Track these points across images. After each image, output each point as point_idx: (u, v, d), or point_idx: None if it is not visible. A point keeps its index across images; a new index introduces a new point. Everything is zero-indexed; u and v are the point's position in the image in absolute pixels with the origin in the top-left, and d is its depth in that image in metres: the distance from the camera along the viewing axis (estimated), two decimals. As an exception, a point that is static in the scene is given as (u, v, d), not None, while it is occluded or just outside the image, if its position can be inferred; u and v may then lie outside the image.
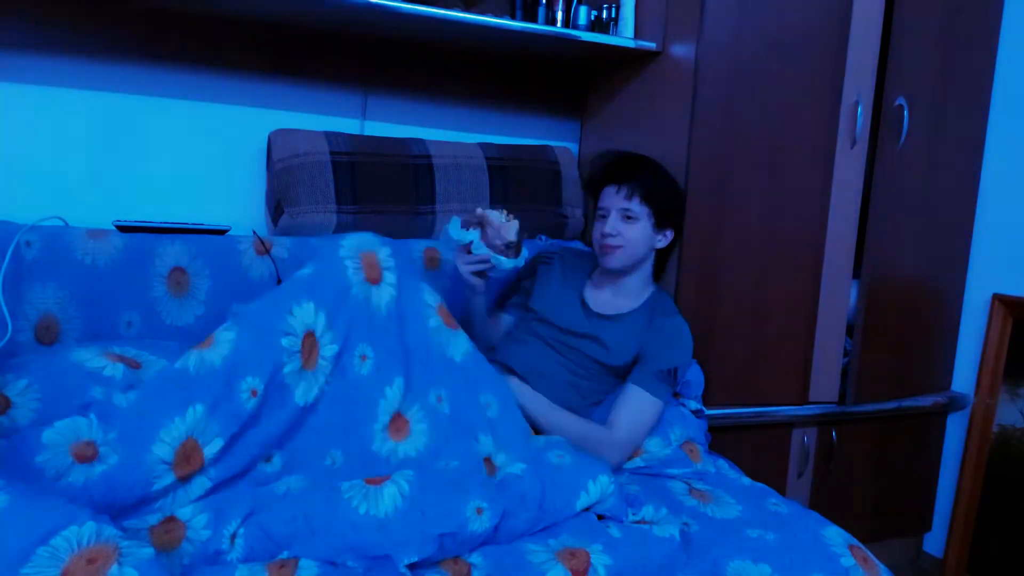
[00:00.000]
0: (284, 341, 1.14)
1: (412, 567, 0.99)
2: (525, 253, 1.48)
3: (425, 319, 1.30)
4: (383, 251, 1.29)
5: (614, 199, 1.52)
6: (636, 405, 1.44)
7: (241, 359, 1.10)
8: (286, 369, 1.14)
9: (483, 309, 1.57)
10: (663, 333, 1.51)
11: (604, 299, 1.58)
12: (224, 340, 1.12)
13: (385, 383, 1.22)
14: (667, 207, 1.53)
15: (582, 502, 1.14)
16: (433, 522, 1.01)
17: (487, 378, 1.33)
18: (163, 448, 1.01)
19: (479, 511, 1.05)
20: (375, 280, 1.26)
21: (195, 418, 1.04)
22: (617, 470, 1.41)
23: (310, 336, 1.17)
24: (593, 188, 1.60)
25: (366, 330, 1.23)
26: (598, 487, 1.15)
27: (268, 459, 1.14)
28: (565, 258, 1.68)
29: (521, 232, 1.45)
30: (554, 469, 1.17)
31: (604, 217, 1.53)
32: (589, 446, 1.36)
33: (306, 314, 1.17)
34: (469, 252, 1.45)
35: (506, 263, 1.45)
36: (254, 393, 1.10)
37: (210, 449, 1.05)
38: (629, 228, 1.51)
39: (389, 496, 1.02)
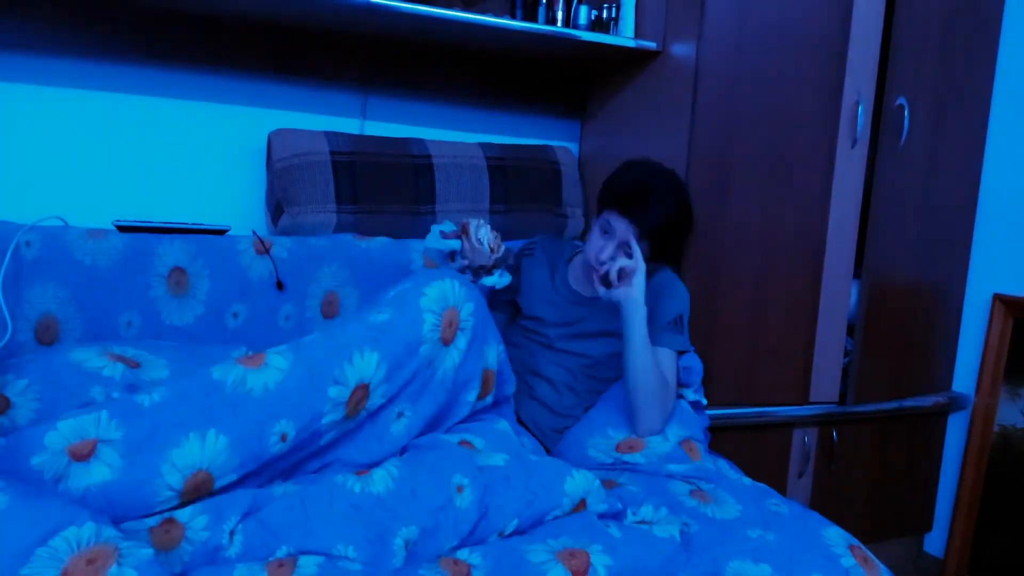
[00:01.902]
0: (332, 391, 1.07)
1: (412, 564, 1.00)
2: (507, 278, 1.43)
3: (472, 391, 1.27)
4: (466, 308, 1.22)
5: (622, 228, 1.45)
6: (665, 364, 1.47)
7: (283, 397, 1.04)
8: (325, 420, 1.08)
9: None
10: (657, 290, 1.52)
11: (588, 282, 1.57)
12: (274, 367, 1.06)
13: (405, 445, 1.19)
14: (669, 243, 1.50)
15: (569, 486, 1.14)
16: (424, 500, 1.05)
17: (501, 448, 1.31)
18: (173, 475, 0.96)
19: (459, 488, 1.07)
20: (447, 342, 1.20)
21: (215, 449, 0.99)
22: (661, 429, 1.45)
23: (362, 388, 1.11)
24: (609, 201, 1.50)
25: (416, 391, 1.19)
26: (582, 476, 1.17)
27: (269, 483, 1.12)
28: (546, 246, 1.67)
29: (503, 250, 1.40)
30: (536, 462, 1.19)
31: (606, 234, 1.47)
32: (653, 391, 1.41)
33: (366, 366, 1.10)
34: (452, 259, 1.42)
35: (485, 280, 1.40)
36: (283, 438, 1.05)
37: (221, 482, 1.01)
38: (623, 259, 1.45)
39: (380, 479, 1.07)
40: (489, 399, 1.33)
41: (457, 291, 1.21)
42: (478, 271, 1.41)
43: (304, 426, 1.06)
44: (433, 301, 1.18)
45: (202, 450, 0.98)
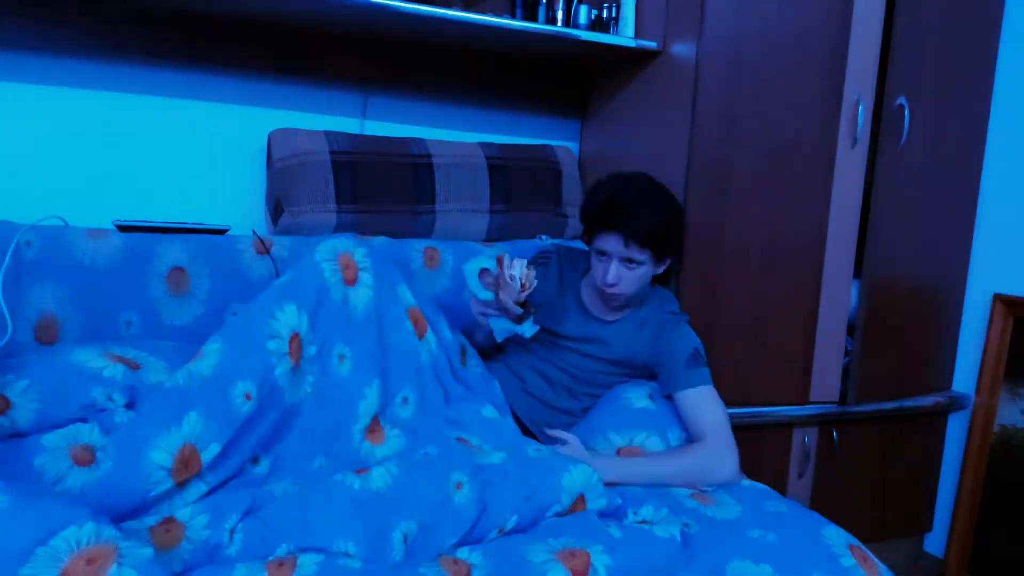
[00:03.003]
0: (271, 344, 1.15)
1: (411, 561, 0.99)
2: (535, 328, 1.44)
3: (402, 320, 1.33)
4: (359, 251, 1.31)
5: (615, 246, 1.43)
6: (701, 404, 1.41)
7: (230, 365, 1.12)
8: (277, 371, 1.15)
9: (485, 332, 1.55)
10: (670, 333, 1.50)
11: (602, 304, 1.57)
12: (211, 351, 1.14)
13: (364, 383, 1.24)
14: (669, 242, 1.47)
15: (567, 481, 1.15)
16: (423, 496, 1.06)
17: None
18: (161, 455, 1.02)
19: (458, 485, 1.08)
20: (351, 281, 1.29)
21: (191, 425, 1.06)
22: (734, 474, 1.38)
23: (297, 337, 1.19)
24: (591, 225, 1.50)
25: (344, 331, 1.26)
26: (580, 471, 1.17)
27: (255, 461, 1.15)
28: (562, 257, 1.66)
29: (533, 285, 1.40)
30: (534, 459, 1.20)
31: (604, 257, 1.46)
32: (701, 469, 1.34)
33: (290, 316, 1.19)
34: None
35: (515, 328, 1.43)
36: (248, 397, 1.11)
37: (207, 454, 1.06)
38: (631, 272, 1.45)
39: (379, 475, 1.08)
40: (431, 335, 1.37)
41: (345, 241, 1.31)
42: (507, 309, 1.41)
43: (262, 380, 1.13)
44: (324, 252, 1.27)
45: (181, 431, 1.04)
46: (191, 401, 1.07)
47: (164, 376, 1.20)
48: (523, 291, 1.38)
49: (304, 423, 1.20)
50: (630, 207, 1.42)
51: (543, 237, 1.95)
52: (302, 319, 1.20)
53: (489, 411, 1.39)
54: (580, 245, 1.82)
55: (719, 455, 1.37)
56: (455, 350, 1.44)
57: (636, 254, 1.43)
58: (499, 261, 1.40)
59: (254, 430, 1.13)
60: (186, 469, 1.04)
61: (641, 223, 1.40)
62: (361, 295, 1.29)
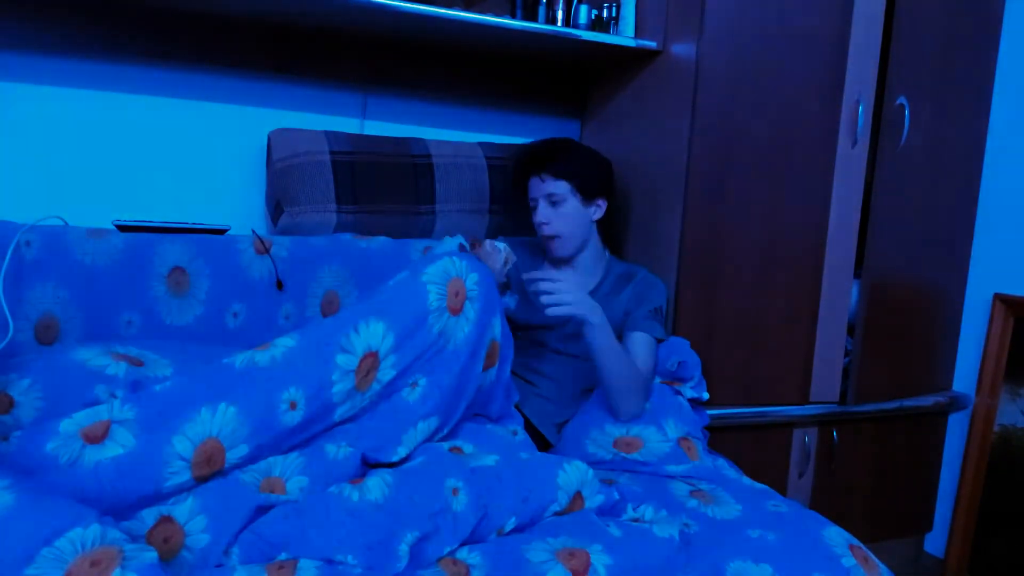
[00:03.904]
0: (340, 358, 1.09)
1: (411, 566, 0.99)
2: (514, 300, 1.49)
3: (482, 355, 1.26)
4: (471, 278, 1.22)
5: (536, 188, 1.59)
6: (641, 348, 1.53)
7: (289, 365, 1.06)
8: (335, 388, 1.09)
9: None
10: (640, 288, 1.61)
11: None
12: (280, 345, 1.09)
13: (420, 417, 1.19)
14: (587, 177, 1.59)
15: (563, 479, 1.15)
16: (421, 504, 1.03)
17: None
18: (184, 443, 0.98)
19: (455, 491, 1.06)
20: (456, 311, 1.20)
21: (224, 417, 1.01)
22: (641, 413, 1.50)
23: (370, 356, 1.12)
24: (519, 187, 1.66)
25: (429, 361, 1.18)
26: (574, 468, 1.17)
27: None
28: (517, 253, 1.70)
29: (512, 262, 1.43)
30: (527, 460, 1.19)
31: (535, 208, 1.60)
32: (627, 389, 1.46)
33: (373, 334, 1.12)
34: None
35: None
36: (293, 406, 1.06)
37: (233, 454, 1.02)
38: (558, 211, 1.58)
39: (375, 486, 1.04)
40: (492, 372, 1.31)
41: (459, 264, 1.22)
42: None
43: (313, 393, 1.07)
44: (435, 275, 1.19)
45: (212, 420, 1.00)
46: (234, 389, 1.02)
47: (168, 371, 1.18)
48: (506, 264, 1.41)
49: (346, 436, 1.14)
50: (540, 150, 1.61)
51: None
52: (387, 340, 1.12)
53: (494, 427, 1.36)
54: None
55: (637, 393, 1.49)
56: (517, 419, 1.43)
57: (554, 187, 1.56)
58: (474, 243, 1.44)
59: (289, 439, 1.08)
60: (208, 465, 1.00)
61: (552, 158, 1.58)
62: (461, 328, 1.20)
